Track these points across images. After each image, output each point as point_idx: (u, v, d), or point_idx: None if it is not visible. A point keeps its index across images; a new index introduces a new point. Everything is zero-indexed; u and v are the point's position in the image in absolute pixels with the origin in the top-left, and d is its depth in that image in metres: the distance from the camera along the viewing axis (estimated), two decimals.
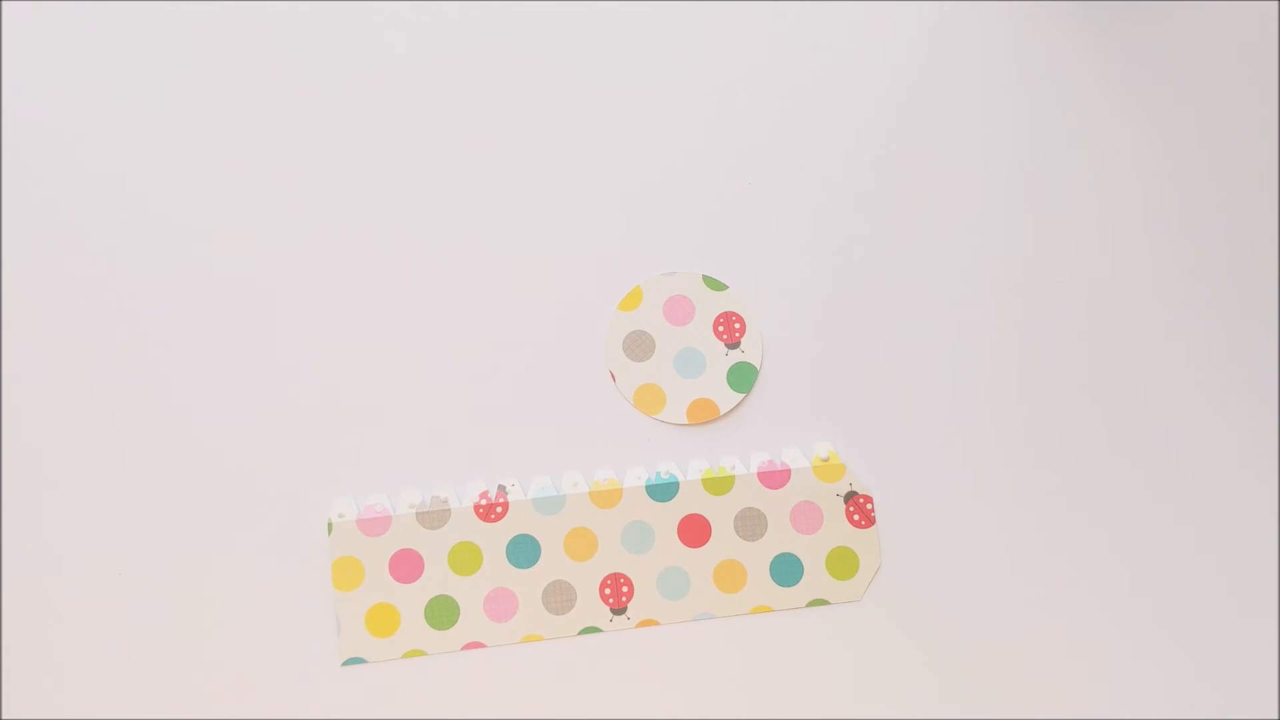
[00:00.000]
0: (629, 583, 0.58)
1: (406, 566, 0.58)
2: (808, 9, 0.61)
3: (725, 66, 0.61)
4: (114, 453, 0.57)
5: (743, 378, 0.60)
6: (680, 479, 0.59)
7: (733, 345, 0.60)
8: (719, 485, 0.59)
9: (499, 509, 0.58)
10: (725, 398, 0.60)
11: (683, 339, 0.60)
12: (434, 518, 0.58)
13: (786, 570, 0.59)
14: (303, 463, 0.58)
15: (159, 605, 0.55)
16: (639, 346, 0.59)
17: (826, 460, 0.59)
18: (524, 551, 0.58)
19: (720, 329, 0.60)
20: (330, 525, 0.58)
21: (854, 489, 0.59)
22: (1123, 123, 0.61)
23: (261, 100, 0.59)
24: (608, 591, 0.58)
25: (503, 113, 0.60)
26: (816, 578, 0.59)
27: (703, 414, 0.59)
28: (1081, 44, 0.60)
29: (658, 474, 0.59)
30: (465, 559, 0.58)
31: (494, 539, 0.58)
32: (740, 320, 0.60)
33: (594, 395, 0.59)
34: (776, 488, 0.59)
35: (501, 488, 0.59)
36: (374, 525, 0.58)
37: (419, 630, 0.56)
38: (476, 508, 0.58)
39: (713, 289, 0.60)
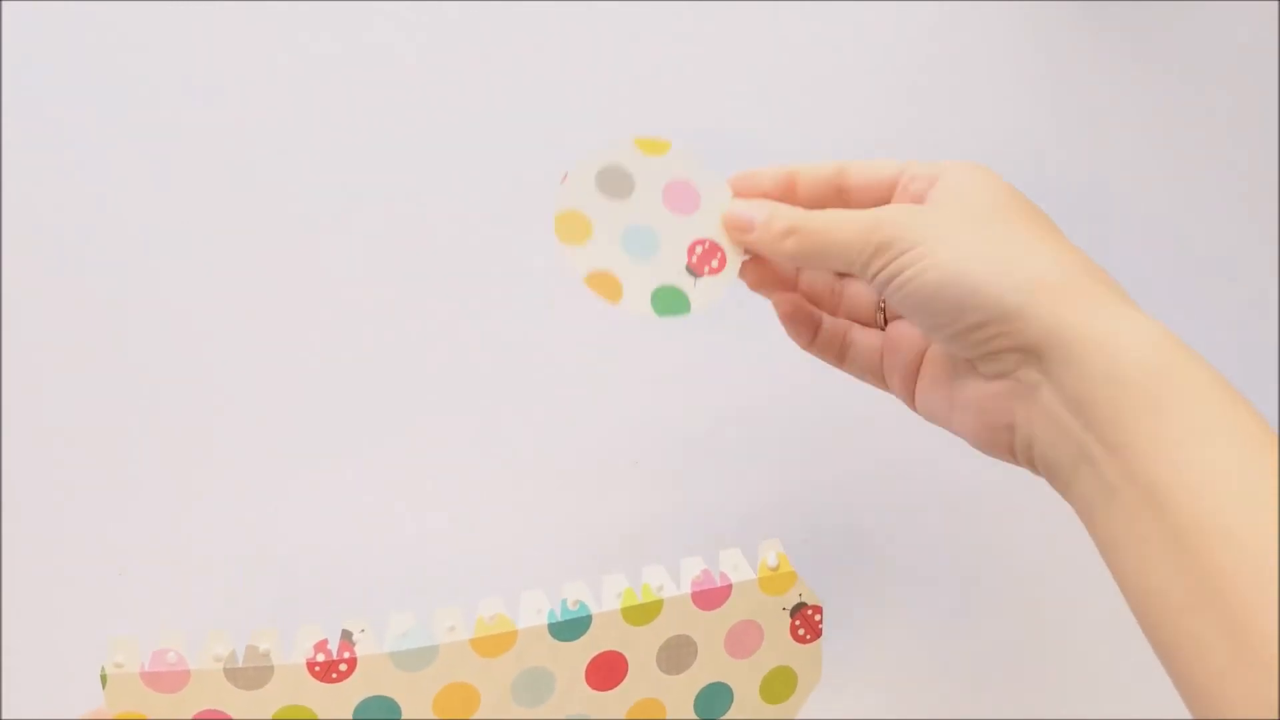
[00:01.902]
0: None
1: None
2: (808, 9, 0.59)
3: (725, 67, 0.58)
4: None
5: (670, 302, 0.42)
6: (594, 609, 0.44)
7: (692, 271, 0.42)
8: (643, 613, 0.45)
9: (342, 666, 0.42)
10: (636, 296, 0.41)
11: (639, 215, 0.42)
12: (249, 676, 0.41)
13: (714, 701, 0.47)
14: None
15: None
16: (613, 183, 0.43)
17: (776, 569, 0.46)
18: (377, 715, 0.42)
19: (699, 250, 0.42)
20: (104, 677, 0.41)
21: (803, 600, 0.47)
22: (1123, 122, 0.60)
23: (257, 95, 0.55)
24: None
25: (501, 115, 0.57)
26: (747, 704, 0.48)
27: (604, 285, 0.41)
28: (1081, 44, 0.60)
29: (564, 604, 0.44)
30: None
31: (336, 701, 0.42)
32: (722, 256, 0.42)
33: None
34: (713, 608, 0.46)
35: (346, 635, 0.42)
36: (165, 680, 0.41)
37: None
38: (310, 665, 0.41)
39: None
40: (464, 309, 0.56)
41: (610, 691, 0.45)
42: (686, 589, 0.45)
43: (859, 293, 0.43)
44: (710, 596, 0.46)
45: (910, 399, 0.41)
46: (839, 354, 0.43)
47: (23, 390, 0.53)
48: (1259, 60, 0.61)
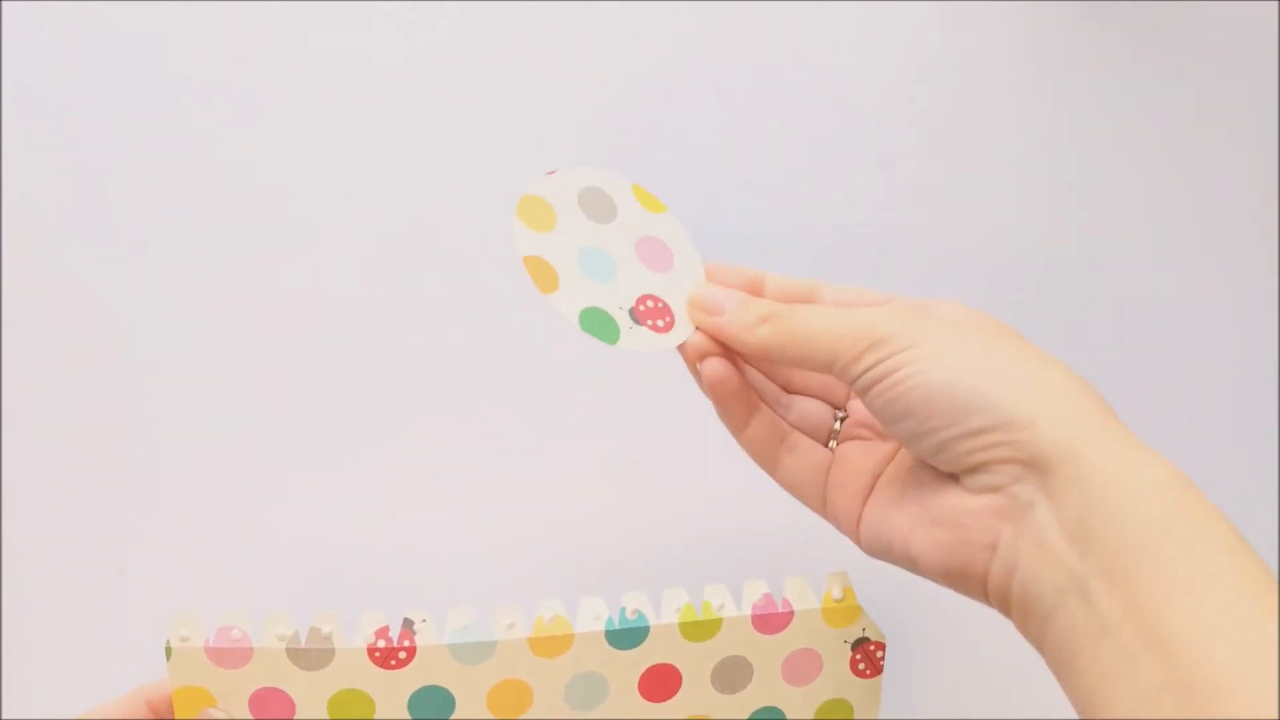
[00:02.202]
0: None
1: (272, 707, 0.42)
2: (808, 9, 0.58)
3: (725, 67, 0.58)
4: None
5: (601, 326, 0.40)
6: (652, 621, 0.44)
7: (635, 318, 0.41)
8: (701, 630, 0.45)
9: (402, 654, 0.42)
10: (570, 298, 0.40)
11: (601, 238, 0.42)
12: (311, 657, 0.42)
13: None
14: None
15: None
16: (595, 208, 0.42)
17: (840, 601, 0.46)
18: (432, 705, 0.43)
19: (649, 303, 0.41)
20: (169, 650, 0.41)
21: (866, 634, 0.46)
22: (1123, 122, 0.59)
23: (257, 95, 0.55)
24: None
25: (502, 114, 0.56)
26: None
27: (539, 271, 0.40)
28: (1081, 44, 0.59)
29: (622, 613, 0.44)
30: (352, 709, 0.43)
31: (392, 688, 0.43)
32: (671, 320, 0.41)
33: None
34: (772, 633, 0.45)
35: (408, 624, 0.43)
36: (229, 656, 0.42)
37: None
38: (371, 651, 0.42)
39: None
40: (464, 309, 0.56)
41: (662, 704, 0.45)
42: (747, 611, 0.45)
43: (809, 412, 0.41)
44: (771, 621, 0.45)
45: (853, 524, 0.39)
46: (773, 456, 0.41)
47: (23, 390, 0.54)
48: (1259, 60, 0.59)
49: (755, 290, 0.41)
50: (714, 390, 0.39)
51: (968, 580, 0.35)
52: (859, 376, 0.35)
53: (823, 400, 0.42)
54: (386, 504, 0.56)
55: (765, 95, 0.58)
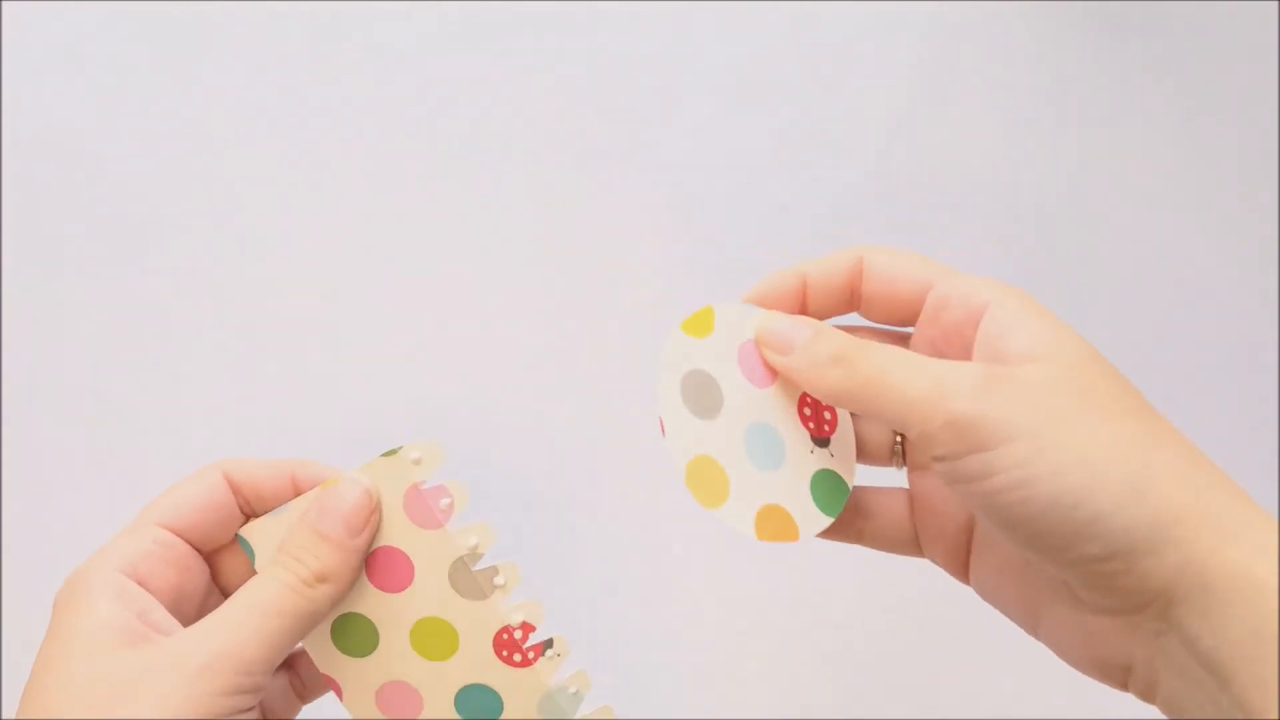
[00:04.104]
0: None
1: (389, 570, 0.36)
2: (808, 9, 0.58)
3: (724, 69, 0.58)
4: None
5: (831, 494, 0.36)
6: None
7: (820, 441, 0.37)
8: None
9: (516, 657, 0.37)
10: (808, 516, 0.36)
11: (758, 408, 0.36)
12: (463, 580, 0.36)
13: None
14: None
15: None
16: (703, 396, 0.36)
17: None
18: (476, 706, 0.38)
19: (807, 411, 0.37)
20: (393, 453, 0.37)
21: None
22: (1122, 122, 0.59)
23: (256, 94, 0.56)
24: None
25: (517, 117, 0.57)
26: None
27: (777, 529, 0.36)
28: (1082, 44, 0.59)
29: None
30: (431, 636, 0.37)
31: (467, 667, 0.37)
32: (832, 408, 0.37)
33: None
34: None
35: (547, 642, 0.37)
36: (420, 515, 0.36)
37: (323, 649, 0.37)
38: (502, 631, 0.37)
39: None
40: (466, 312, 0.57)
41: None
42: None
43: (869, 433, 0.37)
44: None
45: (962, 573, 0.35)
46: (855, 526, 0.36)
47: (23, 390, 0.53)
48: (1259, 60, 0.58)
49: (799, 299, 0.36)
50: None
51: (1111, 684, 0.32)
52: (938, 458, 0.31)
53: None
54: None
55: (765, 97, 0.58)
